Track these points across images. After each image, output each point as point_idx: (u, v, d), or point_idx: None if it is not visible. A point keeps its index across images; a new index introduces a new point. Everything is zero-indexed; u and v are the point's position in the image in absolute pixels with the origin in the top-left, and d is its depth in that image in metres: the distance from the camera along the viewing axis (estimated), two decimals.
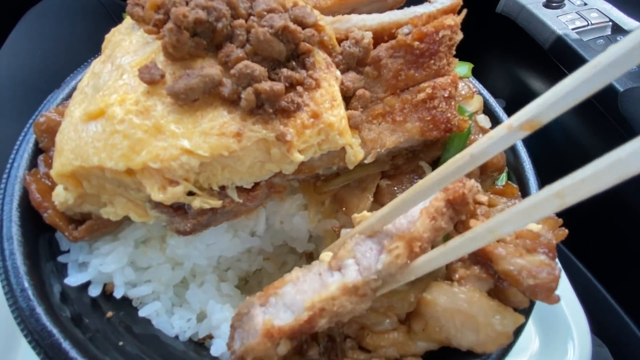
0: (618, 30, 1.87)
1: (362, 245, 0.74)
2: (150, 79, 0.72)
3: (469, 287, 0.78)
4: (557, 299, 0.69)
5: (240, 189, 0.81)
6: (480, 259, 0.81)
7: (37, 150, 0.93)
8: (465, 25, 0.91)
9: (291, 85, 0.77)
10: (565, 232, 0.82)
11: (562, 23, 1.83)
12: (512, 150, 1.10)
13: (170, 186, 0.73)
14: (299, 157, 0.75)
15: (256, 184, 0.82)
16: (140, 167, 0.70)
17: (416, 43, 0.81)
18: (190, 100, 0.73)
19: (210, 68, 0.72)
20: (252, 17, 0.76)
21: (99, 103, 0.73)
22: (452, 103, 0.82)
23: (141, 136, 0.70)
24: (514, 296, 0.79)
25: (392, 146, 0.83)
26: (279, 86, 0.72)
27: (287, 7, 0.82)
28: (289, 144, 0.73)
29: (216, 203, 0.78)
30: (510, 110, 1.24)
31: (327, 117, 0.76)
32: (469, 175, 0.89)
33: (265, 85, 0.71)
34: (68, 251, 0.89)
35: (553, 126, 1.80)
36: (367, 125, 0.84)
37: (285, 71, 0.76)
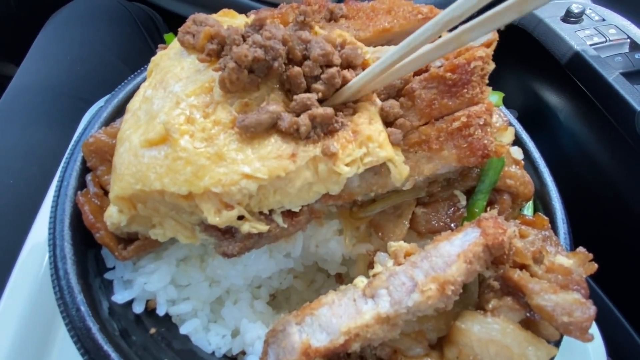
0: (636, 47, 1.82)
1: (395, 278, 0.77)
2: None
3: (502, 318, 0.81)
4: (590, 338, 0.71)
5: (284, 214, 0.85)
6: (512, 290, 0.84)
7: (85, 169, 0.96)
8: None
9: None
10: (595, 266, 0.84)
11: (580, 38, 1.79)
12: (538, 176, 1.13)
13: (226, 210, 0.76)
14: (345, 169, 0.78)
15: (300, 209, 0.86)
16: (202, 191, 0.74)
17: (448, 74, 0.84)
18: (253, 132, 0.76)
19: (275, 105, 0.76)
20: (307, 62, 0.80)
21: (160, 131, 0.77)
22: (488, 130, 0.85)
23: (204, 163, 0.74)
24: (545, 329, 0.81)
25: (429, 173, 0.86)
26: (329, 110, 0.77)
27: (336, 44, 0.85)
28: (335, 156, 0.76)
29: (263, 227, 0.81)
30: (523, 122, 1.26)
31: (366, 130, 0.79)
32: (506, 218, 0.92)
33: (319, 110, 0.76)
34: (113, 268, 0.93)
35: (571, 146, 1.80)
36: (404, 154, 0.87)
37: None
